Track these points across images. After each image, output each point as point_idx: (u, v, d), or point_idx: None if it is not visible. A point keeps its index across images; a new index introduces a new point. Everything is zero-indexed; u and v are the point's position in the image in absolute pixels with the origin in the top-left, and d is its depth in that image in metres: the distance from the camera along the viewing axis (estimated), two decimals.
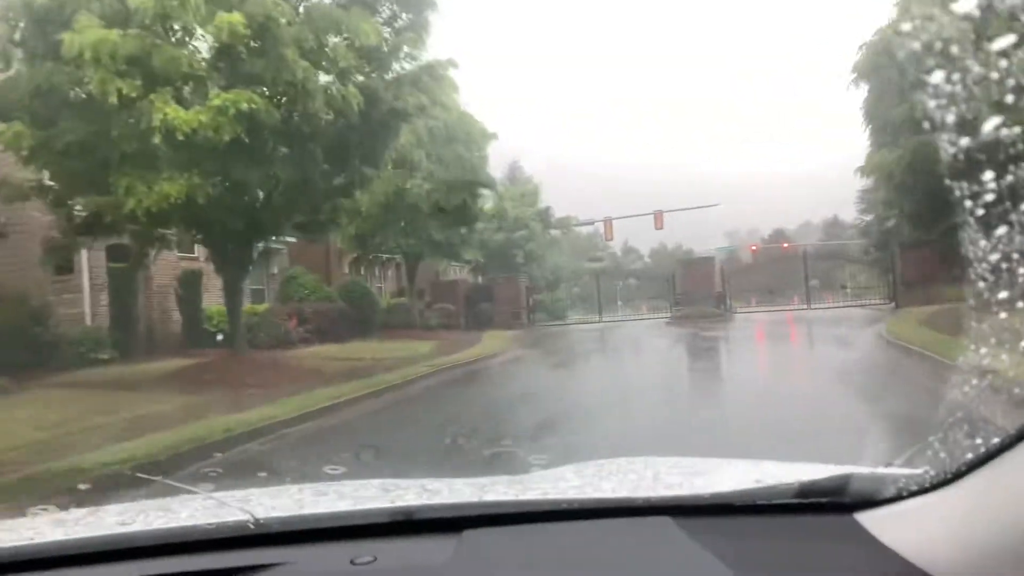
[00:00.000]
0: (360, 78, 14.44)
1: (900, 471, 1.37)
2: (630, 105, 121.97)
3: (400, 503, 1.59)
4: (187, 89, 13.04)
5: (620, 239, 62.35)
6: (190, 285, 21.07)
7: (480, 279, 38.54)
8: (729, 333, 24.88)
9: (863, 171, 25.58)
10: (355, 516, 1.53)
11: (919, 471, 1.30)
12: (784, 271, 45.11)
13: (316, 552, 1.45)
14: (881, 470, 1.43)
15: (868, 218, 45.85)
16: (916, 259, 28.74)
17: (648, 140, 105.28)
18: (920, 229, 23.78)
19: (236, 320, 16.20)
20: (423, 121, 24.11)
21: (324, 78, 13.88)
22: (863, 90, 23.96)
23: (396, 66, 15.44)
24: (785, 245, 59.20)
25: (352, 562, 1.36)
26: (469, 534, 1.43)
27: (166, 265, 21.10)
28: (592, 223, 50.17)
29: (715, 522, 1.44)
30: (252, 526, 1.47)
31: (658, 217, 44.21)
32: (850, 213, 53.17)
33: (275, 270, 26.34)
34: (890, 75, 21.27)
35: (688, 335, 23.84)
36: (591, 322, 34.65)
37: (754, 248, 61.03)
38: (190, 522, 1.57)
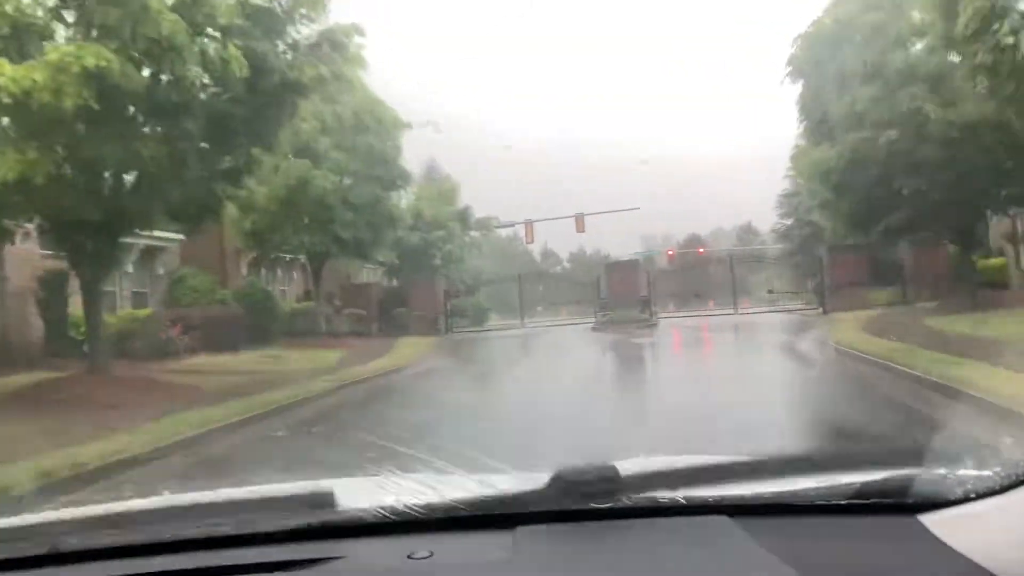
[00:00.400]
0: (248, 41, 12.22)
1: (967, 473, 1.33)
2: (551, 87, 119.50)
3: (452, 498, 1.52)
4: (26, 43, 10.58)
5: (540, 242, 61.14)
6: (53, 287, 18.20)
7: (395, 282, 36.47)
8: (661, 339, 23.49)
9: (795, 169, 24.69)
10: (410, 511, 1.47)
11: (988, 473, 1.29)
12: (703, 276, 45.02)
13: (372, 546, 1.44)
14: (946, 471, 1.37)
15: (788, 222, 45.96)
16: (845, 263, 28.31)
17: (564, 119, 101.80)
18: (857, 231, 22.93)
19: (97, 327, 13.69)
20: (330, 107, 22.03)
21: (202, 40, 11.63)
22: (798, 86, 22.92)
23: (292, 31, 13.27)
24: (701, 250, 59.24)
25: (409, 557, 1.36)
26: (523, 531, 1.41)
27: (24, 264, 18.25)
28: (512, 225, 48.72)
29: (775, 522, 1.40)
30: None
31: (579, 220, 43.74)
32: (765, 219, 53.40)
33: (161, 271, 23.53)
34: (828, 68, 20.33)
35: (617, 342, 22.32)
36: (513, 328, 33.03)
37: (671, 253, 61.12)
38: None
